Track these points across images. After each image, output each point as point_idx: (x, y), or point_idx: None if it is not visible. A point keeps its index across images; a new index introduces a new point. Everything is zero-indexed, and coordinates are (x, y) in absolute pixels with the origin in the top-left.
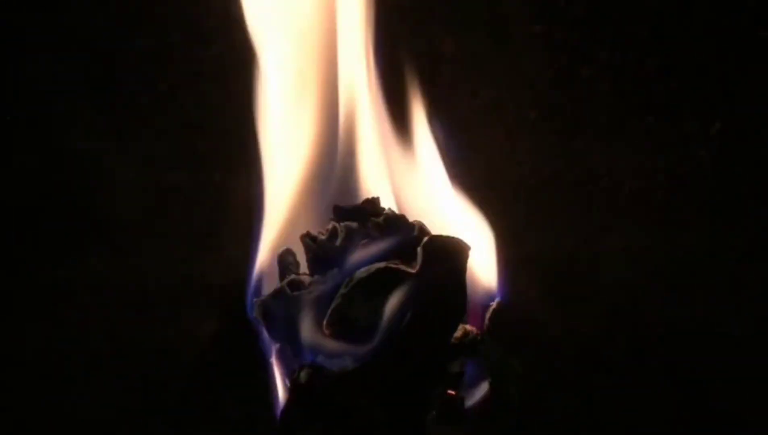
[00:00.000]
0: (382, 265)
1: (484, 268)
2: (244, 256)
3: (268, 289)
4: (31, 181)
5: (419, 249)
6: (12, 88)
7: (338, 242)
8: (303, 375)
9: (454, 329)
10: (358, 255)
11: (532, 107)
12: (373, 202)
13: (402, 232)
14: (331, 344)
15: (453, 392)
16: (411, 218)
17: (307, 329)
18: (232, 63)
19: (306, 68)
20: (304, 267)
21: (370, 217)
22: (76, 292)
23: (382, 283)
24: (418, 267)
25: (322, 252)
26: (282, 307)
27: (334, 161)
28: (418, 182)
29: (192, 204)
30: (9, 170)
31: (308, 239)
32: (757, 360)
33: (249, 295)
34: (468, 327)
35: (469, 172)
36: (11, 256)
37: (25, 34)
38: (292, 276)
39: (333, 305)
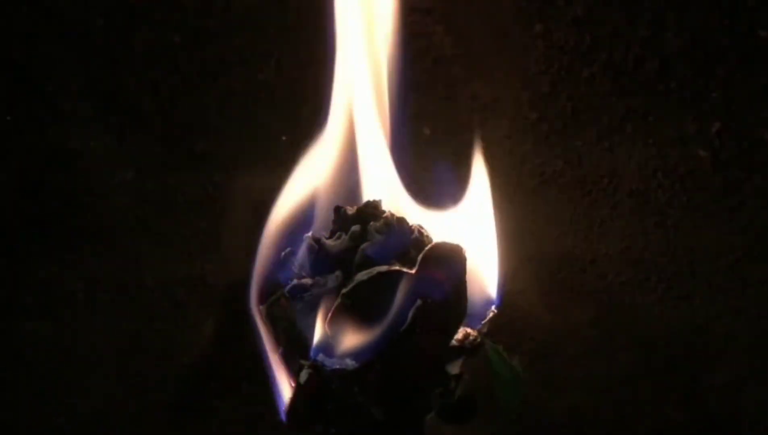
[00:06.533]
0: (383, 268)
1: (485, 270)
2: (244, 256)
3: (270, 288)
4: (31, 181)
5: (420, 256)
6: (12, 88)
7: (340, 244)
8: (303, 375)
9: (455, 331)
10: (360, 257)
11: (532, 107)
12: (374, 205)
13: (402, 235)
14: (332, 344)
15: (452, 392)
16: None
17: (308, 330)
18: (233, 63)
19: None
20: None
21: (371, 220)
22: (76, 292)
23: (383, 285)
24: (416, 269)
25: (325, 253)
26: (284, 309)
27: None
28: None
29: (192, 204)
30: (9, 170)
31: (311, 240)
32: (757, 360)
33: (250, 294)
34: (469, 329)
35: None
36: (11, 257)
37: (25, 33)
38: (295, 278)
39: (334, 306)
